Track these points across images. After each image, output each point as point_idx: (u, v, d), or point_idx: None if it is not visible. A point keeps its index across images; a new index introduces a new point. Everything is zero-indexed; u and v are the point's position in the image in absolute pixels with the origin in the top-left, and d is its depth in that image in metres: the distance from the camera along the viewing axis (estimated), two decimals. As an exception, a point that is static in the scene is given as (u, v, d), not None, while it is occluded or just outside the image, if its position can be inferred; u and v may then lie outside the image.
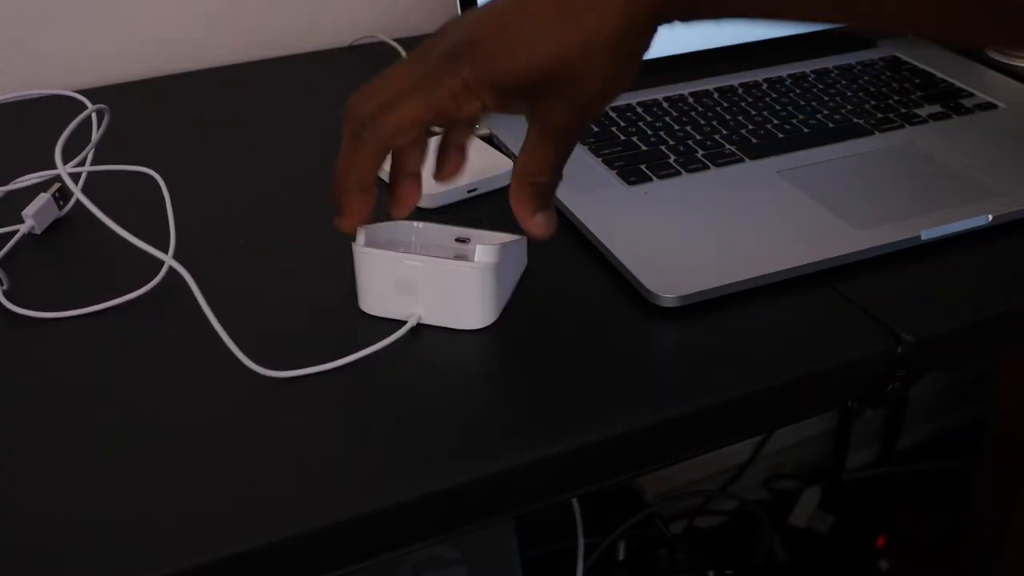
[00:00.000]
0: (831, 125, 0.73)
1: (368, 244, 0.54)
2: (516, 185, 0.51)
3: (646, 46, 0.48)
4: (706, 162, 0.68)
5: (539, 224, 0.51)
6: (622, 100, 0.75)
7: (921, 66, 0.80)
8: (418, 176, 0.53)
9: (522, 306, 0.56)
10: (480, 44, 0.48)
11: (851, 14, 0.49)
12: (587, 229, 0.61)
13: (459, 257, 0.56)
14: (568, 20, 0.46)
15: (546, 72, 0.47)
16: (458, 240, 0.57)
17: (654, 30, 0.48)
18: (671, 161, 0.68)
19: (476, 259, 0.54)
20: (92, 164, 0.62)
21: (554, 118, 0.48)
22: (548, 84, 0.47)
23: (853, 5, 0.48)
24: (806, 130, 0.72)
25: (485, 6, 0.50)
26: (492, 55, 0.47)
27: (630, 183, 0.66)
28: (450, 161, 0.55)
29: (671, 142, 0.70)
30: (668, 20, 0.48)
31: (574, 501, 0.86)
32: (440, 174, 0.55)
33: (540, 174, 0.50)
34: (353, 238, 0.54)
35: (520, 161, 0.50)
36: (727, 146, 0.70)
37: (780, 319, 0.56)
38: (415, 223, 0.57)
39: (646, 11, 0.46)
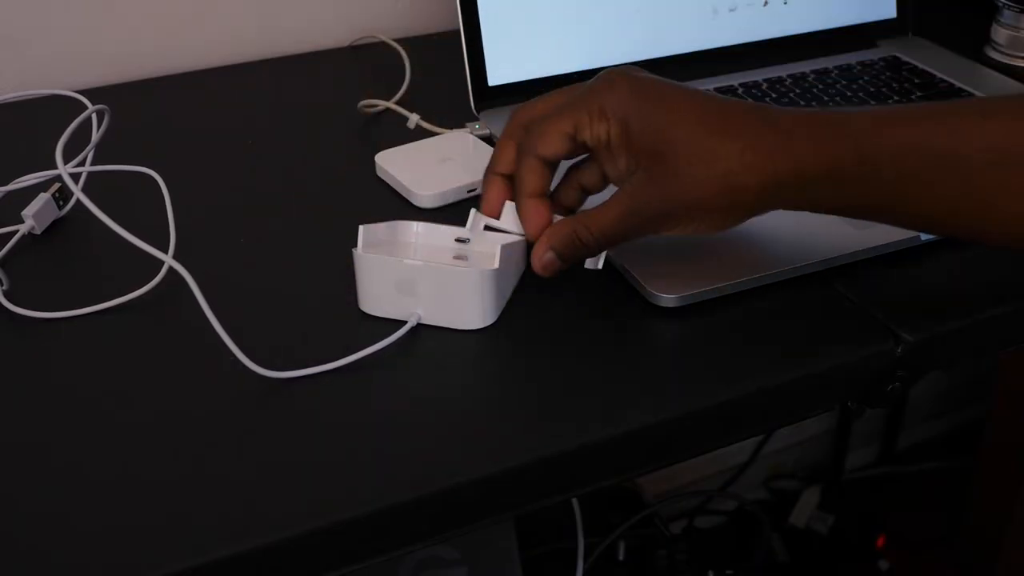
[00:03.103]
0: (831, 125, 0.72)
1: (368, 244, 0.54)
2: (560, 225, 0.53)
3: (744, 212, 0.51)
4: (706, 162, 0.68)
5: (547, 261, 0.53)
6: (622, 100, 0.74)
7: (921, 66, 0.80)
8: (543, 198, 0.54)
9: (522, 306, 0.56)
10: (639, 86, 0.51)
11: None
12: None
13: (459, 257, 0.56)
14: (729, 142, 0.49)
15: (670, 148, 0.49)
16: (458, 240, 0.57)
17: (761, 205, 0.51)
18: (671, 161, 0.68)
19: (476, 261, 0.54)
20: (92, 164, 0.62)
21: (641, 186, 0.50)
22: (660, 161, 0.50)
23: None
24: (806, 130, 0.72)
25: (672, 83, 0.53)
26: (644, 100, 0.51)
27: (630, 183, 0.66)
28: (570, 195, 0.56)
29: (671, 142, 0.70)
30: (779, 203, 0.51)
31: (574, 501, 0.86)
32: (559, 204, 0.56)
33: (591, 229, 0.52)
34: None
35: (586, 212, 0.53)
36: (727, 146, 0.70)
37: (780, 319, 0.56)
38: (415, 224, 0.57)
39: (769, 180, 0.49)
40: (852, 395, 0.55)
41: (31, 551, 0.43)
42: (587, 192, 0.56)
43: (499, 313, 0.55)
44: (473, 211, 0.56)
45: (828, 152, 0.49)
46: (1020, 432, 1.21)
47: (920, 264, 0.60)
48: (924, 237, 0.60)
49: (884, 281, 0.58)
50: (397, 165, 0.67)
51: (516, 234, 0.56)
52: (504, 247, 0.54)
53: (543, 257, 0.53)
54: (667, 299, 0.55)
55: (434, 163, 0.67)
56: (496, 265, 0.53)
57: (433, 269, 0.53)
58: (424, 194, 0.65)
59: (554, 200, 0.56)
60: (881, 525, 1.38)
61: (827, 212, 0.51)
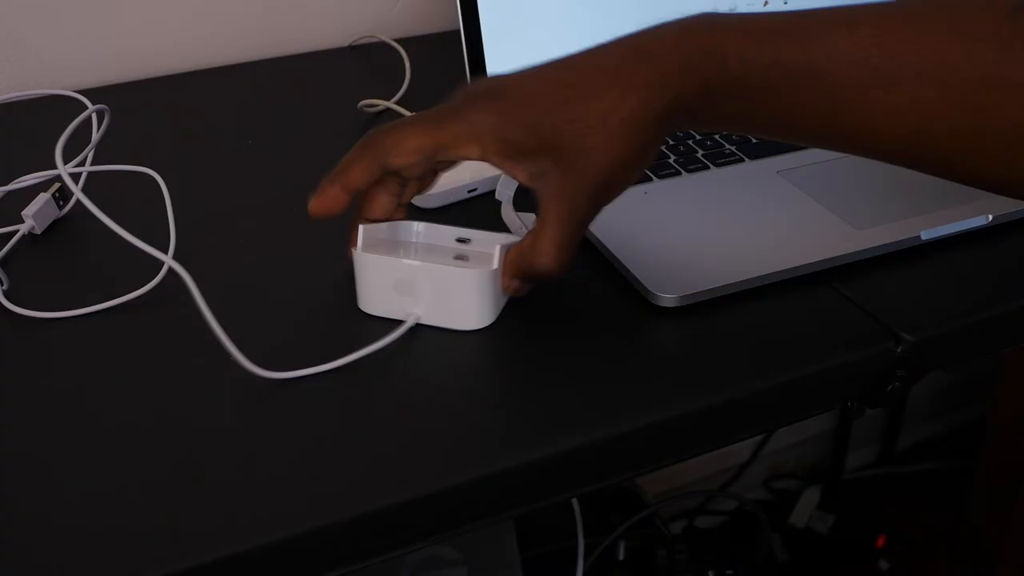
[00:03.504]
0: (831, 125, 0.72)
1: (368, 243, 0.54)
2: (514, 256, 0.52)
3: (655, 144, 0.50)
4: (706, 162, 0.68)
5: (515, 288, 0.53)
6: (622, 100, 0.75)
7: (921, 66, 0.80)
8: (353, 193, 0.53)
9: (521, 306, 0.56)
10: (500, 95, 0.50)
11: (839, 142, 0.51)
12: (588, 229, 0.61)
13: (459, 257, 0.56)
14: (592, 94, 0.48)
15: (559, 135, 0.48)
16: (459, 240, 0.57)
17: (663, 131, 0.50)
18: (671, 161, 0.68)
19: (476, 261, 0.54)
20: (92, 164, 0.62)
21: (560, 188, 0.49)
22: (556, 149, 0.48)
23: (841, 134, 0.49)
24: (806, 130, 0.72)
25: (525, 69, 0.51)
26: (507, 107, 0.49)
27: (630, 183, 0.66)
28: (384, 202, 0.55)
29: (671, 142, 0.70)
30: (675, 125, 0.50)
31: (574, 501, 0.86)
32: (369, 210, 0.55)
33: (543, 255, 0.51)
34: (318, 217, 0.53)
35: (527, 238, 0.52)
36: (727, 146, 0.70)
37: (780, 319, 0.56)
38: (416, 224, 0.57)
39: (661, 108, 0.48)
40: (852, 395, 0.55)
41: (31, 552, 0.43)
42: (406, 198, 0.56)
43: (498, 313, 0.55)
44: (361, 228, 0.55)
45: (699, 75, 0.48)
46: (1020, 432, 1.21)
47: (920, 264, 0.60)
48: (924, 237, 0.60)
49: (884, 281, 0.58)
50: None
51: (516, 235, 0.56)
52: (503, 247, 0.54)
53: (510, 285, 0.53)
54: (667, 299, 0.55)
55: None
56: (495, 266, 0.53)
57: (432, 269, 0.53)
58: (424, 194, 0.65)
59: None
60: (881, 525, 1.39)
61: (724, 130, 0.53)
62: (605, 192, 0.50)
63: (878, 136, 0.48)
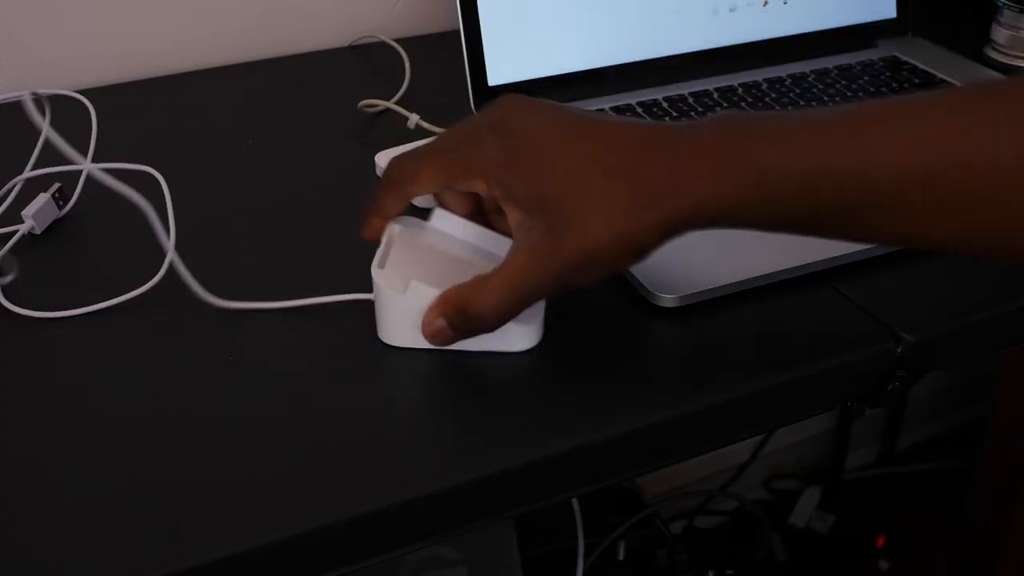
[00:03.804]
0: (831, 125, 0.72)
1: (387, 258, 0.54)
2: (452, 292, 0.49)
3: (650, 253, 0.48)
4: (706, 162, 0.68)
5: (436, 329, 0.50)
6: (622, 100, 0.75)
7: (921, 66, 0.80)
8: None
9: (522, 306, 0.56)
10: (515, 135, 0.48)
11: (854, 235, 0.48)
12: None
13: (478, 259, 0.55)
14: (610, 189, 0.46)
15: (557, 203, 0.46)
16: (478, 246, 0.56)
17: (667, 239, 0.47)
18: (671, 161, 0.68)
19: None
20: (92, 164, 0.62)
21: (536, 245, 0.47)
22: (551, 215, 0.47)
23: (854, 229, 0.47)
24: (806, 130, 0.72)
25: (543, 104, 0.50)
26: (516, 153, 0.48)
27: (630, 183, 0.65)
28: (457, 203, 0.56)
29: (671, 142, 0.70)
30: (686, 230, 0.47)
31: (574, 501, 0.86)
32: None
33: (482, 301, 0.48)
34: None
35: (471, 283, 0.49)
36: (727, 146, 0.70)
37: (780, 319, 0.56)
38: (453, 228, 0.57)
39: (676, 220, 0.46)
40: (852, 395, 0.55)
41: (31, 552, 0.43)
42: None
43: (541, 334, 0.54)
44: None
45: (729, 186, 0.45)
46: (1020, 432, 1.21)
47: (920, 264, 0.60)
48: (924, 237, 0.60)
49: (884, 281, 0.58)
50: None
51: None
52: None
53: (433, 323, 0.50)
54: (667, 299, 0.55)
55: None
56: (539, 321, 0.52)
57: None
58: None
59: (443, 203, 0.55)
60: (881, 525, 1.39)
61: (742, 228, 0.48)
62: (577, 275, 0.48)
63: (924, 233, 0.46)
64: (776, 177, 0.45)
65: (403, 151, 0.53)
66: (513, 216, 0.48)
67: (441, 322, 0.50)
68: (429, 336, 0.51)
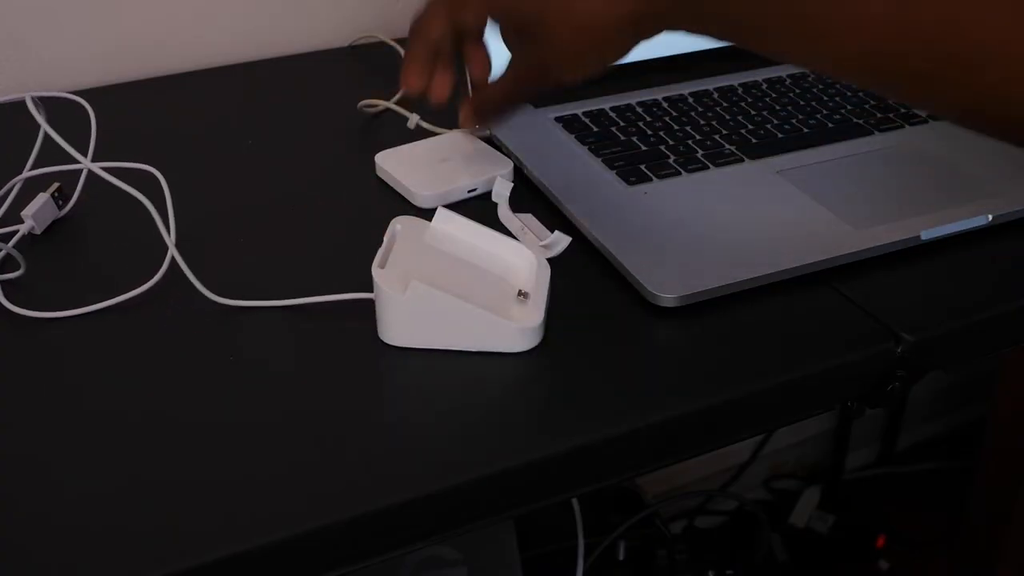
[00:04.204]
0: (831, 125, 0.73)
1: (387, 260, 0.54)
2: (473, 95, 0.61)
3: (619, 45, 0.54)
4: (706, 162, 0.68)
5: (467, 122, 0.62)
6: (622, 100, 0.75)
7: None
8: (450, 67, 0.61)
9: (522, 306, 0.56)
10: None
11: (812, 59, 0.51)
12: (587, 229, 0.61)
13: (495, 281, 0.55)
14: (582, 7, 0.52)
15: (534, 21, 0.54)
16: (485, 250, 0.56)
17: (630, 35, 0.53)
18: (671, 161, 0.68)
19: (522, 318, 0.53)
20: (92, 163, 0.62)
21: (520, 55, 0.57)
22: (529, 25, 0.54)
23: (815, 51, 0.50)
24: (806, 130, 0.72)
25: None
26: None
27: (630, 183, 0.66)
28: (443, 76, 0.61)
29: (671, 142, 0.70)
30: (645, 28, 0.52)
31: (574, 501, 0.86)
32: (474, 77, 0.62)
33: (491, 99, 0.60)
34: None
35: (488, 85, 0.60)
36: (727, 146, 0.70)
37: (780, 319, 0.56)
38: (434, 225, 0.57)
39: (627, 12, 0.51)
40: (852, 395, 0.55)
41: (31, 552, 0.43)
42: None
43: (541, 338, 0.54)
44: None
45: None
46: (1020, 432, 1.21)
47: (920, 264, 0.60)
48: (924, 237, 0.60)
49: (884, 281, 0.58)
50: (397, 165, 0.67)
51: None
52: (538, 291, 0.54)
53: (469, 121, 0.61)
54: (667, 299, 0.55)
55: (434, 163, 0.67)
56: (539, 322, 0.53)
57: (476, 312, 0.52)
58: (424, 194, 0.65)
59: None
60: (881, 525, 1.39)
61: (694, 33, 0.53)
62: (560, 73, 0.56)
63: (842, 44, 0.48)
64: None
65: (403, 147, 0.63)
66: (510, 39, 0.58)
67: (472, 117, 0.61)
68: (470, 127, 0.66)
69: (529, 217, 0.60)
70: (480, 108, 0.61)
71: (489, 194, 0.60)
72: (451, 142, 0.70)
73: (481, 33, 0.61)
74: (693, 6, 0.51)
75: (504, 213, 0.59)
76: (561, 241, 0.56)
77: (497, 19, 0.58)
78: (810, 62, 0.53)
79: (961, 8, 0.45)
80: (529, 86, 0.59)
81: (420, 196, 0.65)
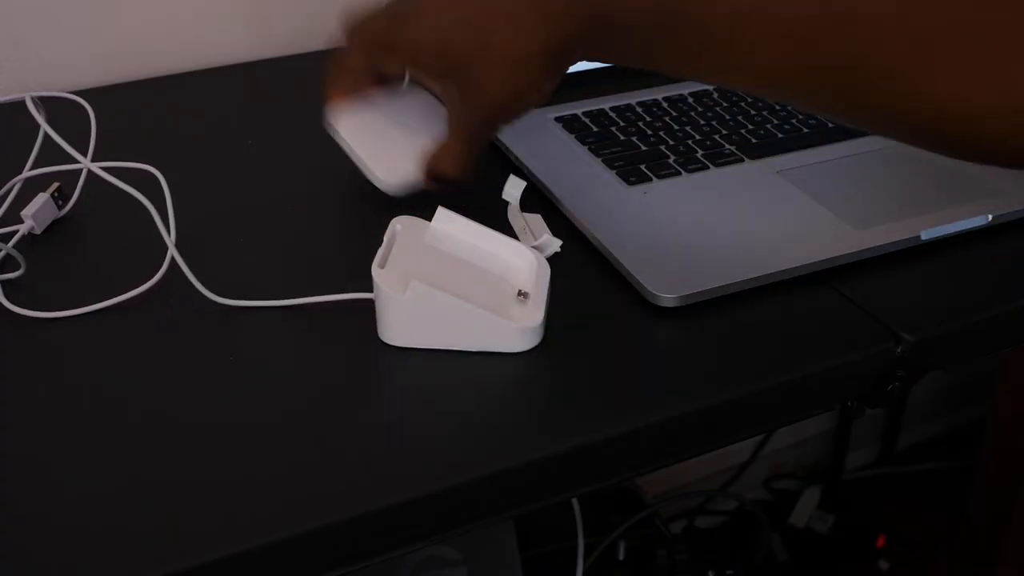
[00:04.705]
0: (831, 125, 0.73)
1: (389, 259, 0.53)
2: (425, 162, 0.60)
3: (548, 78, 0.54)
4: (706, 162, 0.68)
5: (427, 186, 0.60)
6: (622, 100, 0.75)
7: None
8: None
9: (522, 306, 0.56)
10: (410, 20, 0.56)
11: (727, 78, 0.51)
12: (587, 229, 0.61)
13: (496, 282, 0.55)
14: (487, 26, 0.53)
15: (458, 66, 0.54)
16: (484, 251, 0.56)
17: (557, 66, 0.54)
18: (671, 161, 0.68)
19: (522, 318, 0.53)
20: (92, 163, 0.62)
21: (460, 111, 0.57)
22: (459, 77, 0.55)
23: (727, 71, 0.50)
24: (806, 130, 0.72)
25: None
26: (418, 34, 0.56)
27: (630, 183, 0.66)
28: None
29: (671, 142, 0.70)
30: (571, 60, 0.54)
31: (574, 501, 0.86)
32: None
33: (447, 164, 0.59)
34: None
35: (435, 146, 0.59)
36: (727, 146, 0.70)
37: (780, 319, 0.56)
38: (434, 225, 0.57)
39: (552, 47, 0.52)
40: (852, 395, 0.55)
41: (31, 552, 0.43)
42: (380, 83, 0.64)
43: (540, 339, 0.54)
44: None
45: (586, 15, 0.51)
46: (1020, 432, 1.21)
47: (920, 264, 0.60)
48: (924, 237, 0.60)
49: (884, 281, 0.58)
50: (359, 138, 0.64)
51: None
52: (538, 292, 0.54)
53: (427, 186, 0.60)
54: (667, 299, 0.55)
55: (398, 133, 0.64)
56: (539, 322, 0.52)
57: (476, 312, 0.52)
58: (386, 181, 0.62)
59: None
60: (881, 525, 1.39)
61: (623, 64, 0.54)
62: (499, 116, 0.57)
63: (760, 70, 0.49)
64: (619, 8, 0.51)
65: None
66: (436, 87, 0.58)
67: (430, 183, 0.61)
68: (429, 189, 0.61)
69: (536, 218, 0.60)
70: (437, 172, 0.60)
71: (489, 194, 0.60)
72: (410, 104, 0.66)
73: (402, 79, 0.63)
74: (602, 34, 0.52)
75: (514, 215, 0.59)
76: (551, 244, 0.56)
77: (420, 72, 0.58)
78: (727, 79, 0.52)
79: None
80: (478, 134, 0.58)
81: (384, 183, 0.62)
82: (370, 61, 0.60)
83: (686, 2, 0.48)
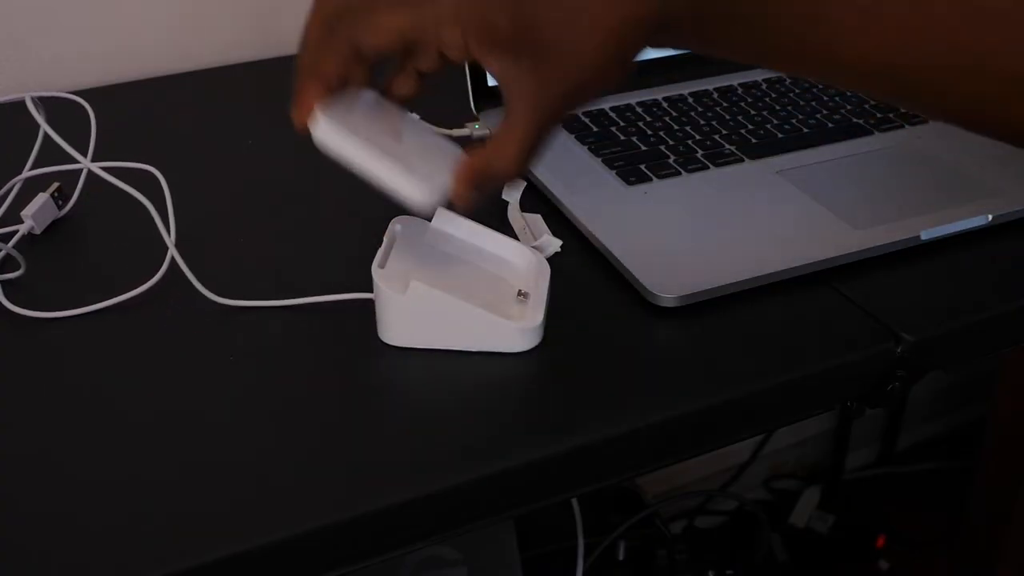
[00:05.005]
0: (831, 125, 0.73)
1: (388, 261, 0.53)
2: (472, 161, 0.49)
3: (632, 57, 0.47)
4: (706, 162, 0.68)
5: (465, 200, 0.49)
6: (622, 100, 0.75)
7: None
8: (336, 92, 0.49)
9: (522, 306, 0.56)
10: None
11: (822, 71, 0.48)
12: (587, 229, 0.61)
13: (495, 283, 0.55)
14: (588, 14, 0.44)
15: (545, 34, 0.45)
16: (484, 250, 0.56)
17: (643, 45, 0.47)
18: (671, 161, 0.68)
19: (523, 318, 0.53)
20: (92, 163, 0.62)
21: (533, 92, 0.46)
22: (535, 44, 0.45)
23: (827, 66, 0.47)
24: (806, 130, 0.72)
25: None
26: (492, 4, 0.45)
27: (630, 183, 0.66)
28: (406, 84, 0.51)
29: (671, 142, 0.70)
30: (655, 41, 0.47)
31: (574, 501, 0.86)
32: (393, 94, 0.52)
33: (505, 158, 0.48)
34: (304, 130, 0.49)
35: (489, 142, 0.48)
36: (727, 146, 0.70)
37: (780, 319, 0.56)
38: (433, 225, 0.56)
39: (645, 21, 0.45)
40: (852, 395, 0.55)
41: (32, 551, 0.43)
42: (425, 76, 0.50)
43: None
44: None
45: None
46: (1020, 432, 1.21)
47: (920, 264, 0.60)
48: (924, 237, 0.60)
49: (884, 281, 0.58)
50: (366, 148, 0.51)
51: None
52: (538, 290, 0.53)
53: (466, 196, 0.49)
54: (667, 299, 0.55)
55: (406, 138, 0.53)
56: (539, 322, 0.52)
57: (476, 312, 0.52)
58: (431, 198, 0.54)
59: (390, 91, 0.52)
60: (881, 525, 1.39)
61: (701, 51, 0.48)
62: (575, 99, 0.48)
63: (857, 61, 0.46)
64: None
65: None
66: (496, 65, 0.46)
67: (472, 194, 0.49)
68: (462, 204, 0.50)
69: (536, 218, 0.60)
70: (491, 173, 0.49)
71: (496, 193, 0.60)
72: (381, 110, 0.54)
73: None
74: (709, 6, 0.46)
75: (514, 215, 0.59)
76: (551, 244, 0.56)
77: (487, 40, 0.46)
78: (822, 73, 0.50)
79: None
80: (549, 120, 0.47)
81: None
82: (407, 40, 0.46)
83: None
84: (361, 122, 0.50)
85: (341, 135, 0.49)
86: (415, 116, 0.55)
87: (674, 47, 0.48)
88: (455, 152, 0.53)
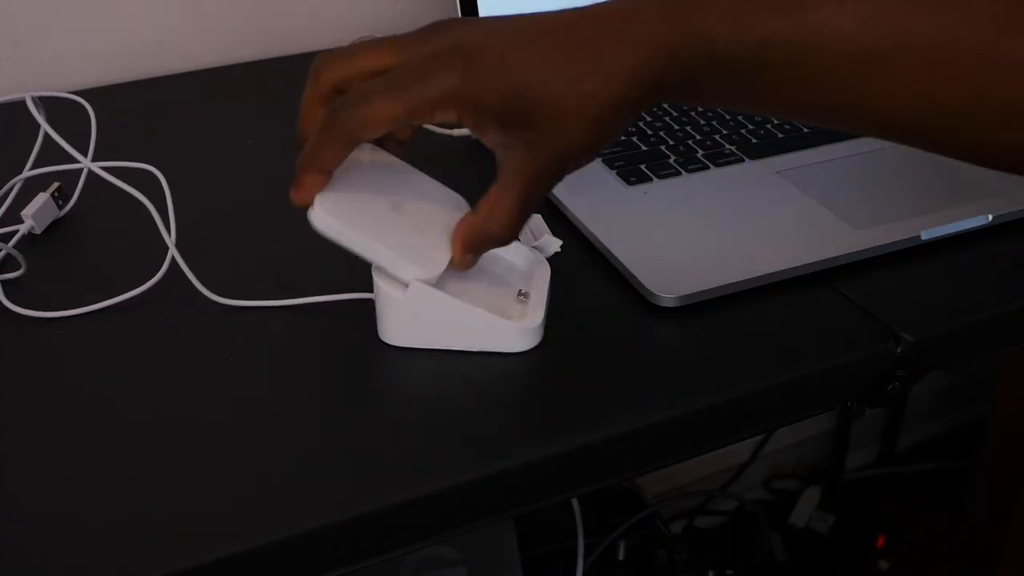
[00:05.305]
0: (831, 125, 0.72)
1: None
2: (468, 227, 0.51)
3: (625, 125, 0.49)
4: (706, 162, 0.68)
5: (468, 262, 0.52)
6: (622, 100, 0.74)
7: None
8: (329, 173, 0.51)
9: (522, 306, 0.56)
10: (474, 55, 0.47)
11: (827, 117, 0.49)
12: (587, 229, 0.61)
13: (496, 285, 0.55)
14: (573, 76, 0.46)
15: (534, 110, 0.46)
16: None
17: (637, 113, 0.48)
18: (671, 161, 0.68)
19: (516, 307, 0.53)
20: (92, 163, 0.62)
21: (524, 162, 0.48)
22: (531, 123, 0.46)
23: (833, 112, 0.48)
24: (806, 130, 0.72)
25: (489, 20, 0.49)
26: (481, 71, 0.46)
27: (630, 183, 0.66)
28: (402, 132, 0.54)
29: (671, 142, 0.70)
30: (652, 105, 0.48)
31: (574, 501, 0.86)
32: (389, 146, 0.54)
33: (498, 223, 0.50)
34: (303, 209, 0.50)
35: (482, 206, 0.50)
36: (727, 146, 0.70)
37: (780, 319, 0.56)
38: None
39: (640, 95, 0.46)
40: (852, 395, 0.55)
41: (32, 551, 0.43)
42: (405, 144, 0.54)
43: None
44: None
45: (684, 61, 0.46)
46: (1020, 432, 1.21)
47: (920, 264, 0.60)
48: (924, 237, 0.60)
49: (884, 281, 0.58)
50: (365, 228, 0.51)
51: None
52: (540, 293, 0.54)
53: (465, 260, 0.52)
54: (667, 299, 0.55)
55: (389, 210, 0.53)
56: (539, 322, 0.52)
57: (476, 313, 0.52)
58: (432, 273, 0.52)
59: (386, 142, 0.54)
60: (881, 525, 1.39)
61: (704, 106, 0.50)
62: (567, 166, 0.49)
63: (870, 113, 0.47)
64: (723, 48, 0.46)
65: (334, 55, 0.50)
66: (489, 139, 0.48)
67: (471, 257, 0.52)
68: (463, 268, 0.52)
69: (536, 218, 0.60)
70: (487, 237, 0.51)
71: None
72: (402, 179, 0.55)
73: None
74: (696, 74, 0.46)
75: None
76: (551, 244, 0.56)
77: (471, 123, 0.48)
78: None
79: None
80: (540, 188, 0.49)
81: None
82: (406, 118, 0.47)
83: (807, 34, 0.45)
84: (358, 196, 0.52)
85: (338, 224, 0.50)
86: (411, 169, 0.55)
87: (666, 102, 0.49)
88: (455, 203, 0.54)
